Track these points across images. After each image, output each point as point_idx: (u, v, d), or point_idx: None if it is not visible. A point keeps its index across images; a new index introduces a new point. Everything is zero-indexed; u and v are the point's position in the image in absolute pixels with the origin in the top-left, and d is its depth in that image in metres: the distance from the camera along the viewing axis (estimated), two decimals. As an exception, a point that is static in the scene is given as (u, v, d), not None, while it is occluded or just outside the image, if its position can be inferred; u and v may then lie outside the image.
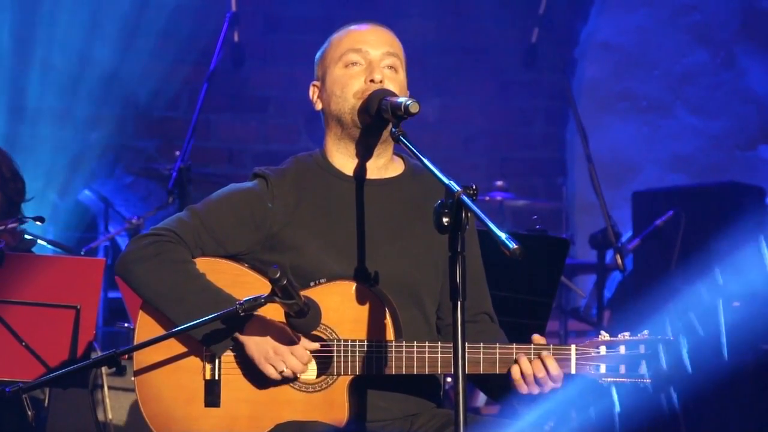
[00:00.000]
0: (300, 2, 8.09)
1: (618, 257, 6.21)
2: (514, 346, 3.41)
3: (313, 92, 3.64)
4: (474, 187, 2.98)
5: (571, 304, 7.35)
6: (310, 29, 7.94)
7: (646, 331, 3.40)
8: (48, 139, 7.57)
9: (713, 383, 5.94)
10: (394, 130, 3.37)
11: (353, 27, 3.61)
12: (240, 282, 3.46)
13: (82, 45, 7.62)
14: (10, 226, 5.11)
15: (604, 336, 3.42)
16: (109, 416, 5.35)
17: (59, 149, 7.59)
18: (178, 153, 6.43)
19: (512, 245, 2.87)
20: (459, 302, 2.94)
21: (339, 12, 7.88)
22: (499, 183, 7.22)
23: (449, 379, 4.72)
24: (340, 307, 3.40)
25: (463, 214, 2.94)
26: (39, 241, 5.44)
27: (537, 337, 3.43)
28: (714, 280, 5.87)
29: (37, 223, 5.18)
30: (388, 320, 3.40)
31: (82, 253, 6.22)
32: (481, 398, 6.74)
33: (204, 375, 3.44)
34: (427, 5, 8.22)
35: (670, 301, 6.10)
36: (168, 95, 7.89)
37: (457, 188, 2.96)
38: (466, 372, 2.94)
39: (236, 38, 6.57)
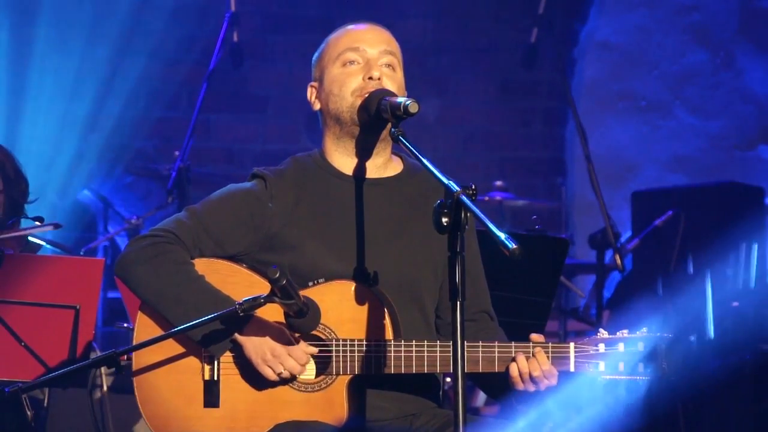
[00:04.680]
0: (300, 2, 8.09)
1: (617, 257, 6.21)
2: (513, 344, 3.42)
3: (310, 93, 3.65)
4: (473, 187, 2.99)
5: (571, 304, 7.34)
6: (309, 29, 7.94)
7: (644, 329, 3.41)
8: (48, 139, 7.57)
9: (713, 383, 5.94)
10: (393, 130, 3.37)
11: (350, 27, 3.62)
12: (238, 282, 3.46)
13: (82, 45, 7.62)
14: (14, 234, 5.10)
15: (603, 334, 3.42)
16: (109, 416, 5.34)
17: (59, 149, 7.59)
18: (177, 153, 6.43)
19: (511, 245, 2.87)
20: (458, 302, 2.94)
21: (339, 12, 7.88)
22: (499, 183, 7.22)
23: (449, 379, 4.73)
24: (339, 307, 3.41)
25: (463, 214, 2.95)
26: (37, 241, 5.44)
27: (535, 336, 3.44)
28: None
29: (37, 223, 5.17)
30: (387, 320, 3.40)
31: (82, 253, 6.22)
32: (481, 398, 6.74)
33: (203, 375, 3.45)
34: (427, 5, 8.22)
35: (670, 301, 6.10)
36: (167, 95, 7.89)
37: (457, 188, 2.97)
38: (466, 371, 2.95)
39: (235, 38, 6.57)
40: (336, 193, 3.56)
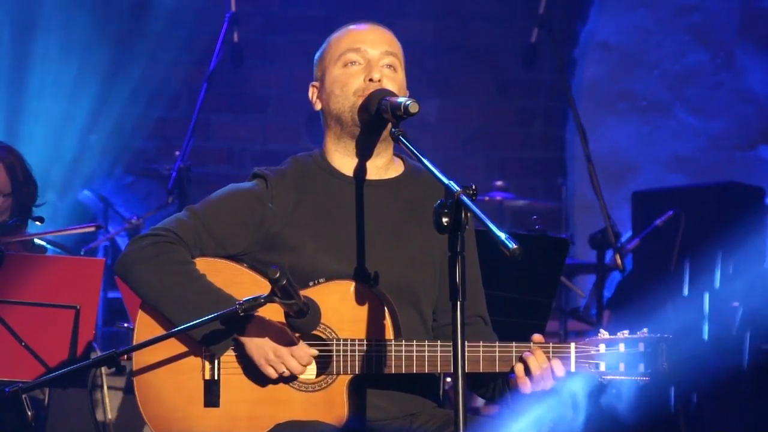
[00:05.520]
0: (300, 2, 8.10)
1: (617, 257, 6.21)
2: (514, 344, 3.42)
3: (312, 92, 3.65)
4: (473, 187, 2.99)
5: (571, 304, 7.34)
6: (310, 29, 7.94)
7: (645, 330, 3.41)
8: (48, 139, 7.58)
9: (713, 383, 5.95)
10: (393, 130, 3.38)
11: (352, 27, 3.62)
12: (239, 282, 3.47)
13: (83, 45, 7.63)
14: (17, 239, 5.12)
15: (604, 334, 3.43)
16: (109, 416, 5.34)
17: (59, 149, 7.59)
18: (177, 153, 6.43)
19: (512, 245, 2.87)
20: (459, 302, 2.94)
21: (339, 12, 7.88)
22: (499, 183, 7.22)
23: (449, 379, 4.72)
24: (340, 307, 3.41)
25: (463, 214, 2.95)
26: (43, 243, 5.44)
27: (537, 337, 3.44)
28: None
29: (37, 223, 5.18)
30: (388, 319, 3.40)
31: (82, 253, 6.22)
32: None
33: (203, 375, 3.45)
34: (427, 5, 8.22)
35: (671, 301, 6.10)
36: (167, 95, 7.89)
37: (457, 188, 2.97)
38: (466, 371, 2.95)
39: (236, 38, 6.57)
40: (336, 194, 3.56)
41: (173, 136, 7.60)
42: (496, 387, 3.54)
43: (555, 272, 4.54)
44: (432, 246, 3.53)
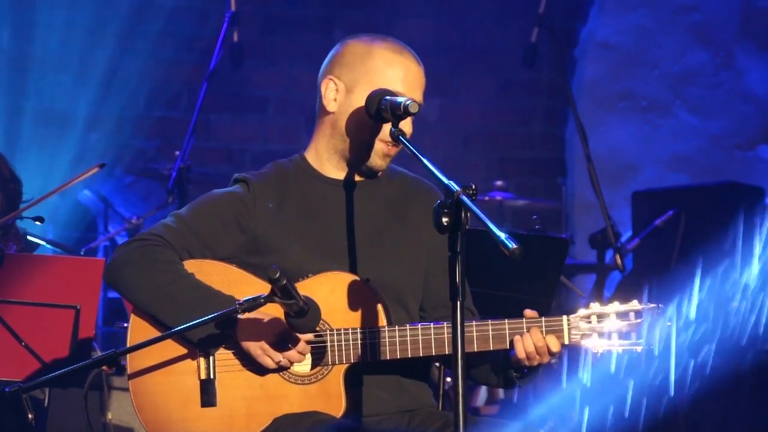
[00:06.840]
0: (300, 2, 8.09)
1: (617, 257, 6.21)
2: (507, 321, 3.42)
3: (329, 88, 3.56)
4: (473, 187, 2.99)
5: (571, 304, 7.34)
6: (310, 29, 7.94)
7: (635, 301, 3.45)
8: (48, 139, 7.57)
9: (714, 383, 5.94)
10: (393, 129, 3.38)
11: (407, 59, 3.51)
12: (230, 280, 3.48)
13: (82, 45, 7.63)
14: (4, 219, 5.12)
15: (595, 306, 3.45)
16: (109, 416, 5.34)
17: (59, 149, 7.59)
18: (178, 153, 6.43)
19: (512, 245, 2.88)
20: (459, 302, 2.95)
21: (339, 12, 7.88)
22: (499, 183, 7.22)
23: (449, 379, 4.72)
24: (330, 298, 3.42)
25: (463, 214, 2.95)
26: (36, 240, 5.44)
27: (529, 312, 3.46)
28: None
29: (37, 223, 5.18)
30: (379, 307, 3.42)
31: (82, 253, 6.22)
32: (481, 398, 6.74)
33: (199, 375, 3.44)
34: (427, 5, 8.21)
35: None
36: (167, 95, 7.89)
37: (457, 188, 2.97)
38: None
39: (236, 38, 6.56)
40: (318, 195, 3.57)
41: (173, 136, 7.60)
42: (499, 370, 3.52)
43: (555, 272, 4.54)
44: (416, 244, 3.55)
